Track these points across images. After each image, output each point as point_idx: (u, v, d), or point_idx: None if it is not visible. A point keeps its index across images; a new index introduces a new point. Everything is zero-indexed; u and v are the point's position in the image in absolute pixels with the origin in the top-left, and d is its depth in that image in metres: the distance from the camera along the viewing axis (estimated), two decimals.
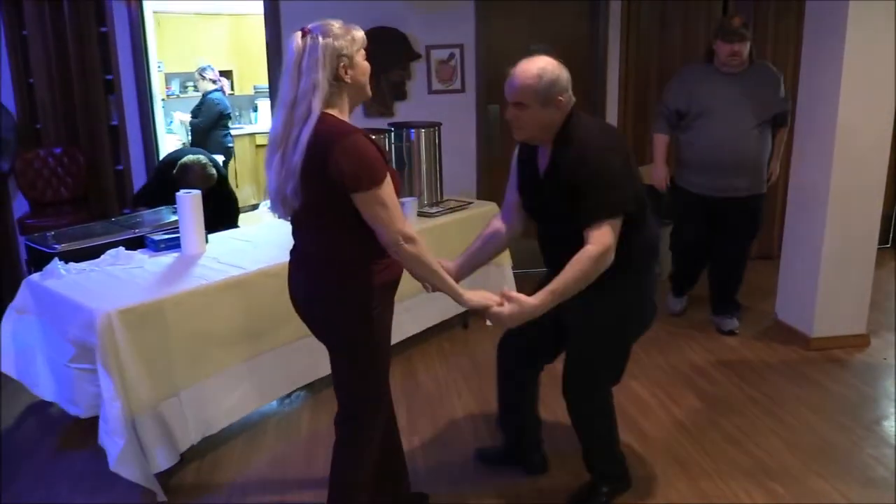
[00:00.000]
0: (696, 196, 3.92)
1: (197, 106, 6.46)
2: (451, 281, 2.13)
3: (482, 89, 5.07)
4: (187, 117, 6.65)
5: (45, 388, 3.01)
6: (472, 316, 4.26)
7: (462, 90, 5.04)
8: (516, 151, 2.45)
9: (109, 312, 2.53)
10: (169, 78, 7.29)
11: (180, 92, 7.51)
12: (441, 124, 4.11)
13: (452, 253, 2.63)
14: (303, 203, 1.95)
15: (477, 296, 2.16)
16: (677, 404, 3.30)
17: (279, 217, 2.08)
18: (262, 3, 4.82)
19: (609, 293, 2.23)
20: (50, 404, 3.24)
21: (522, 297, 2.16)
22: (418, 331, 3.83)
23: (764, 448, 2.92)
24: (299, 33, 1.96)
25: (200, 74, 6.41)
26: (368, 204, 1.91)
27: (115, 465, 2.52)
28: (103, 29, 4.64)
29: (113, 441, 2.52)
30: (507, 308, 2.15)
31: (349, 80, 1.97)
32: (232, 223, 4.37)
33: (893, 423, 3.12)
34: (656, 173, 4.02)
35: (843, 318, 3.85)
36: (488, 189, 5.13)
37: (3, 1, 4.54)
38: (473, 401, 3.37)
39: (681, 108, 3.86)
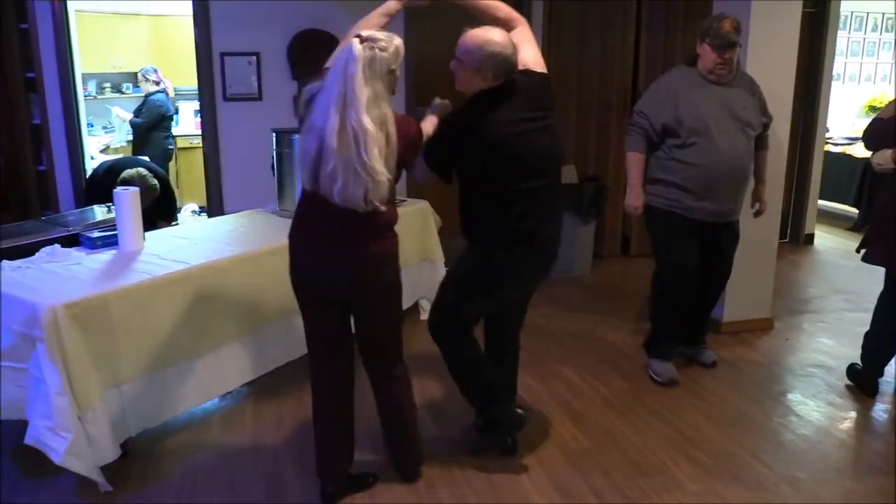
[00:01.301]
0: (693, 223, 3.36)
1: (139, 106, 6.43)
2: None
3: (411, 92, 5.20)
4: (127, 115, 6.53)
5: None
6: (408, 314, 4.37)
7: (393, 92, 5.15)
8: None
9: (54, 306, 2.51)
10: (85, 79, 7.08)
11: (97, 93, 7.30)
12: None
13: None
14: None
15: None
16: (606, 385, 3.53)
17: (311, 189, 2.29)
18: (190, 3, 4.81)
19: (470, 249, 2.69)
20: None
21: None
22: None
23: (686, 421, 3.17)
24: (357, 40, 2.15)
25: (143, 76, 6.42)
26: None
27: (62, 460, 2.50)
28: (23, 26, 4.53)
29: (59, 436, 2.51)
30: None
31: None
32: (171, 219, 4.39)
33: (796, 395, 3.45)
34: (633, 198, 3.43)
35: (750, 305, 4.20)
36: (416, 187, 5.25)
37: None
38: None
39: (669, 123, 3.29)
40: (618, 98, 5.55)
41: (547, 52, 5.33)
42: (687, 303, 3.49)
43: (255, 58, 4.84)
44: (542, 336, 4.10)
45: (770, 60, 3.84)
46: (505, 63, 2.42)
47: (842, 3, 5.98)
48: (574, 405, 3.32)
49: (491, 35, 2.42)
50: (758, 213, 3.69)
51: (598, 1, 5.36)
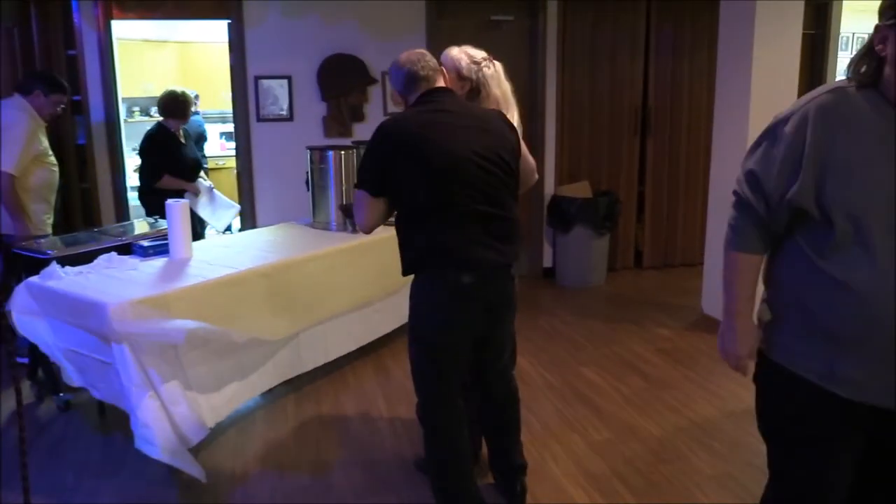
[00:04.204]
0: (847, 406, 1.61)
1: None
2: None
3: None
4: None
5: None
6: None
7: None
8: None
9: (122, 304, 2.75)
10: None
11: (127, 116, 7.62)
12: None
13: None
14: None
15: None
16: (624, 384, 3.74)
17: None
18: (225, 30, 5.11)
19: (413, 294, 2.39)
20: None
21: None
22: (388, 331, 4.16)
23: (701, 414, 3.38)
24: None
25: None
26: None
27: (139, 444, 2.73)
28: (71, 52, 4.82)
29: (139, 422, 2.73)
30: None
31: None
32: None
33: None
34: (733, 342, 1.82)
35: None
36: None
37: None
38: None
39: (799, 199, 1.56)
40: (628, 117, 5.82)
41: (561, 74, 5.62)
42: None
43: (286, 81, 5.13)
44: (562, 340, 4.34)
45: (773, 83, 4.08)
46: (413, 75, 2.34)
47: (842, 24, 6.24)
48: (595, 401, 3.54)
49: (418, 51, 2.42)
50: None
51: (608, 26, 5.63)
